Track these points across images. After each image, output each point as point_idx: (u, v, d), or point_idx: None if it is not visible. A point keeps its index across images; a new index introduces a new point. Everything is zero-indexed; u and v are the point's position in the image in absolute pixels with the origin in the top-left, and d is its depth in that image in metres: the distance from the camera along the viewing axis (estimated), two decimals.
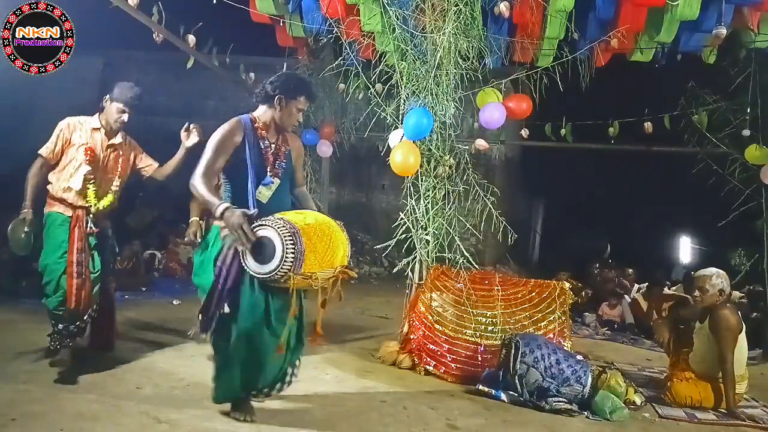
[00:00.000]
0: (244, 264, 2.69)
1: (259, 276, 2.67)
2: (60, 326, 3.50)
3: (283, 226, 2.63)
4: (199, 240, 4.27)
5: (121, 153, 3.78)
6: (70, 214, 3.58)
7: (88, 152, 3.59)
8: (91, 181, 3.60)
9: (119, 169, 3.77)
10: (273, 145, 3.03)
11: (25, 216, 3.52)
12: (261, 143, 2.98)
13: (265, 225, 2.66)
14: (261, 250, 2.63)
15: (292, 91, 3.00)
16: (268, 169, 2.98)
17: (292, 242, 2.59)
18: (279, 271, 2.59)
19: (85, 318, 3.58)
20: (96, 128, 3.66)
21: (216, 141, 2.89)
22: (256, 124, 3.01)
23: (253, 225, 2.66)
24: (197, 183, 2.78)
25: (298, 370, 3.14)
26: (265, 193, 2.95)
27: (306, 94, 3.05)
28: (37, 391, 3.12)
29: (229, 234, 2.69)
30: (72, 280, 3.47)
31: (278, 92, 2.98)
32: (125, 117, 3.66)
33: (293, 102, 3.00)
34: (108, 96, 3.66)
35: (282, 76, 3.07)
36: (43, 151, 3.55)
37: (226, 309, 2.82)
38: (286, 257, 2.58)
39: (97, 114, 3.69)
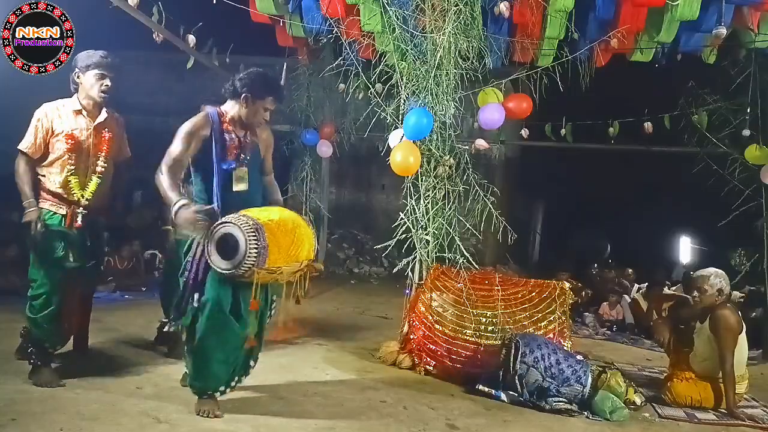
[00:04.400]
0: (208, 260, 2.76)
1: (223, 271, 2.72)
2: (46, 345, 3.32)
3: (246, 223, 2.68)
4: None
5: (106, 130, 3.46)
6: (65, 212, 3.35)
7: (69, 140, 3.31)
8: (72, 172, 3.32)
9: (105, 148, 3.45)
10: (238, 139, 3.03)
11: (39, 214, 3.26)
12: (226, 136, 3.00)
13: (228, 222, 2.72)
14: (224, 246, 2.70)
15: (259, 91, 2.99)
16: (232, 159, 2.99)
17: (254, 237, 2.65)
18: (242, 266, 2.66)
19: (70, 334, 3.47)
20: (77, 110, 3.37)
21: (183, 133, 2.91)
22: (222, 119, 3.02)
23: (216, 223, 2.72)
24: (160, 175, 2.81)
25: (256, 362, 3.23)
26: (240, 186, 2.98)
27: (274, 95, 3.02)
28: (37, 391, 3.12)
29: (189, 228, 2.73)
30: (69, 296, 3.33)
31: (246, 90, 2.96)
32: (108, 81, 3.36)
33: (260, 102, 2.99)
34: (76, 70, 3.35)
35: (251, 74, 3.02)
36: (23, 146, 3.28)
37: (196, 303, 2.88)
38: (249, 252, 2.64)
39: (75, 95, 3.40)
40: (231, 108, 3.05)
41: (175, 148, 2.88)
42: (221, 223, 2.74)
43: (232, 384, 3.06)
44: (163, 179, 2.79)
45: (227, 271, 2.71)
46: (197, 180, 3.03)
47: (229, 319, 2.87)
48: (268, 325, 3.29)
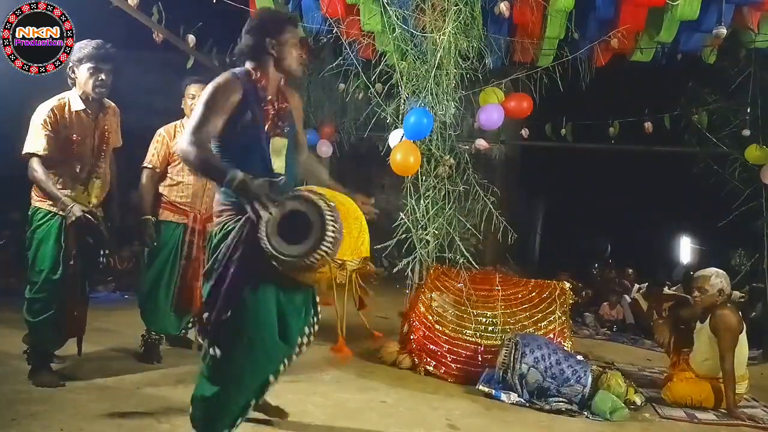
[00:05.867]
0: (265, 244, 2.12)
1: (286, 259, 2.12)
2: (45, 346, 3.30)
3: (321, 198, 2.14)
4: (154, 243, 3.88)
5: (106, 127, 3.35)
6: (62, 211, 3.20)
7: (73, 144, 3.18)
8: (76, 176, 3.22)
9: (105, 147, 3.36)
10: (275, 103, 2.51)
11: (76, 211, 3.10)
12: (261, 95, 2.45)
13: (296, 195, 2.17)
14: (291, 226, 2.12)
15: (277, 27, 2.50)
16: (271, 132, 2.45)
17: (332, 218, 2.10)
18: (316, 253, 2.07)
19: (69, 335, 3.37)
20: (80, 110, 3.22)
21: (209, 96, 2.34)
22: (253, 77, 2.46)
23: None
24: (200, 148, 2.20)
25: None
26: (278, 164, 2.44)
27: (290, 23, 2.56)
28: (37, 391, 3.12)
29: (242, 208, 2.18)
30: (71, 299, 3.23)
31: (266, 35, 2.46)
32: (103, 76, 3.18)
33: (285, 36, 2.48)
34: (71, 63, 3.19)
35: (253, 21, 2.55)
36: (40, 149, 3.11)
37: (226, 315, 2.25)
38: (326, 236, 2.07)
39: (74, 90, 3.24)
40: (257, 67, 2.49)
41: (201, 116, 2.29)
42: (287, 197, 2.18)
43: (247, 412, 2.47)
44: (209, 154, 2.24)
45: (293, 259, 2.11)
46: (227, 160, 2.34)
47: (273, 336, 2.31)
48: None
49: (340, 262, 2.21)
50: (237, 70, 2.48)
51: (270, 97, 2.50)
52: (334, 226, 2.10)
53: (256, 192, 2.10)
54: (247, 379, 2.33)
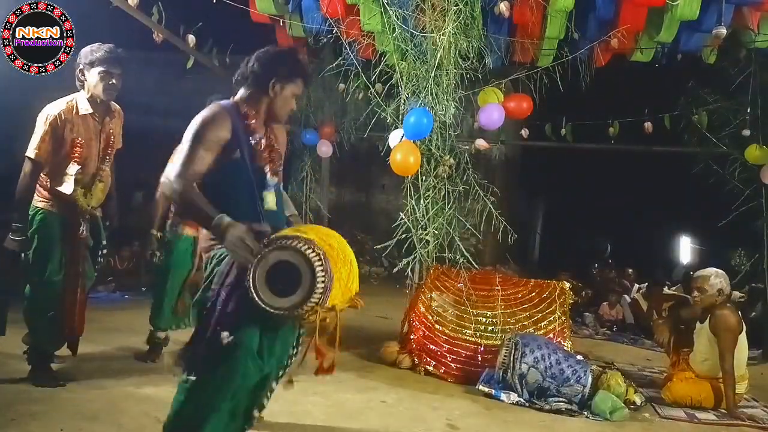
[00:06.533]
0: (254, 296, 2.08)
1: (275, 311, 2.08)
2: (45, 346, 3.29)
3: (309, 247, 2.07)
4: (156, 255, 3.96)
5: (111, 129, 3.34)
6: (63, 212, 3.22)
7: (78, 147, 3.16)
8: (79, 180, 3.19)
9: (111, 151, 3.35)
10: (264, 139, 2.40)
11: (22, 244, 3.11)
12: (251, 138, 2.34)
13: (284, 245, 2.09)
14: (279, 277, 2.08)
15: (288, 74, 2.40)
16: (267, 170, 2.38)
17: (321, 268, 2.05)
18: (305, 305, 2.05)
19: (69, 335, 3.34)
20: (87, 113, 3.20)
21: (197, 132, 2.21)
22: (243, 111, 2.36)
23: (267, 246, 2.10)
24: (186, 189, 2.14)
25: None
26: (271, 201, 2.38)
27: (303, 75, 2.47)
28: (37, 391, 3.12)
29: (232, 251, 2.12)
30: (72, 299, 3.21)
31: (273, 74, 2.37)
32: (113, 80, 3.19)
33: (290, 87, 2.41)
34: (81, 66, 3.19)
35: (272, 53, 2.45)
36: (32, 153, 3.09)
37: (227, 338, 2.14)
38: (316, 287, 2.04)
39: (82, 93, 3.23)
40: (249, 99, 2.40)
41: (191, 154, 2.19)
42: (273, 248, 2.08)
43: None
44: (193, 195, 2.16)
45: (281, 311, 2.08)
46: (215, 200, 2.19)
47: (256, 364, 2.22)
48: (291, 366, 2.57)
49: (330, 307, 2.15)
50: (224, 102, 2.38)
51: (259, 134, 2.39)
52: (323, 276, 2.05)
53: (235, 238, 2.05)
54: (225, 405, 2.21)
